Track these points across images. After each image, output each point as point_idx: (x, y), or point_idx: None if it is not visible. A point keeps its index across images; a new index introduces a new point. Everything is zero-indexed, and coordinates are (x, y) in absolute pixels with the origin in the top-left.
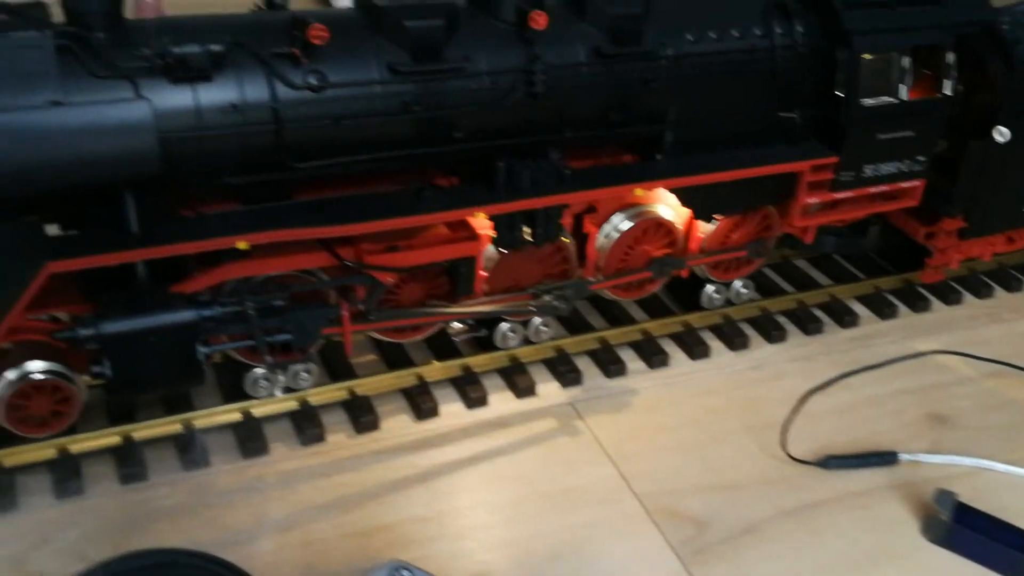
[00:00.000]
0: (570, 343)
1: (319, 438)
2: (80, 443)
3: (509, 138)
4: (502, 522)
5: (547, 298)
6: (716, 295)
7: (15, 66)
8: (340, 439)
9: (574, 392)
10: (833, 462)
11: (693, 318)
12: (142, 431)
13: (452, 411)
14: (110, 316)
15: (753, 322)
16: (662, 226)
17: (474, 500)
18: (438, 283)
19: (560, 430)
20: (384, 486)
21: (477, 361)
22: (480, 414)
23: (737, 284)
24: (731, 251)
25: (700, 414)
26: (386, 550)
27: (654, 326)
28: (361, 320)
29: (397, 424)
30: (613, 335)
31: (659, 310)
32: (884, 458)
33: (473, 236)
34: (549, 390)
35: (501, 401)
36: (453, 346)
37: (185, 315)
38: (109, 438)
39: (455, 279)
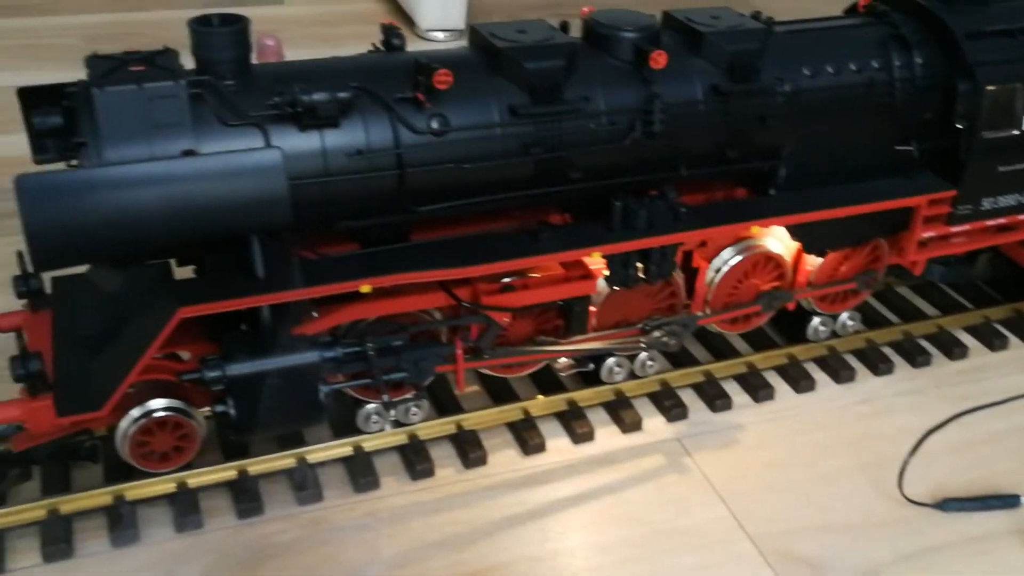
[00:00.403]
0: (674, 376)
1: (429, 473)
2: (198, 477)
3: (625, 176)
4: (616, 563)
5: (657, 334)
6: (822, 327)
7: (151, 116)
8: (449, 474)
9: (680, 427)
10: (951, 504)
11: (798, 350)
12: (257, 466)
13: (558, 446)
14: (236, 359)
15: (859, 354)
16: (771, 259)
17: (586, 540)
18: (548, 319)
19: (668, 467)
20: (495, 524)
21: (582, 395)
22: (586, 449)
23: (844, 316)
24: (840, 284)
25: (810, 451)
26: None
27: (758, 359)
28: (474, 357)
29: (504, 459)
30: (717, 368)
31: (762, 342)
32: (1006, 501)
33: (588, 275)
34: (655, 425)
35: (607, 436)
36: (557, 380)
37: (308, 357)
38: (225, 472)
39: (568, 317)
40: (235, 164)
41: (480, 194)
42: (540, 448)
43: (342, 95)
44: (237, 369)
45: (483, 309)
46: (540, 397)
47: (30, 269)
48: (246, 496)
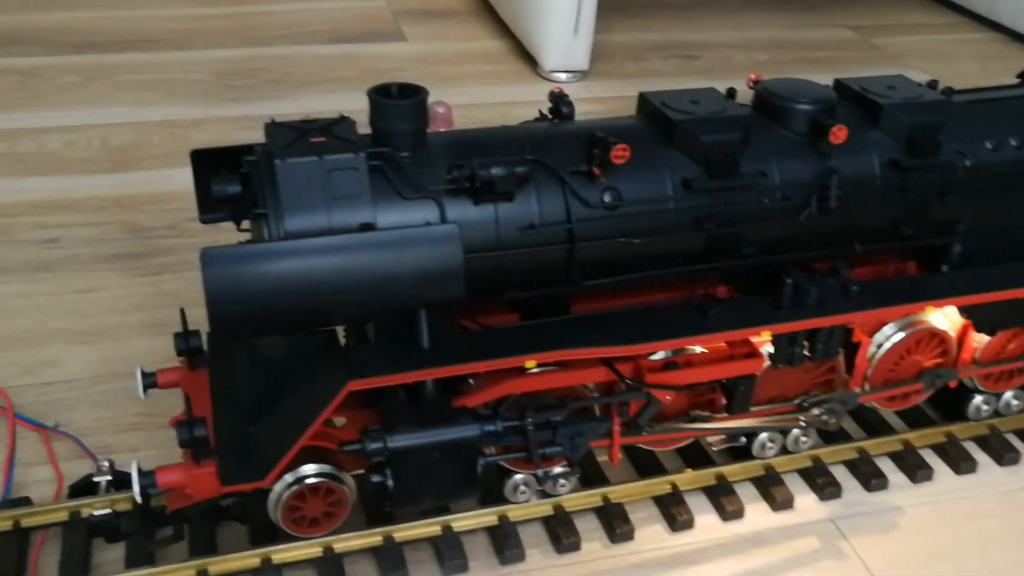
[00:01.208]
0: (827, 453)
1: (575, 547)
2: (344, 542)
3: (796, 251)
4: None
5: (816, 411)
6: (984, 406)
7: (331, 187)
8: (595, 548)
9: (834, 507)
10: None
11: (957, 428)
12: (402, 532)
13: (707, 523)
14: (397, 431)
15: (1023, 435)
16: (935, 336)
17: None
18: (704, 392)
19: (824, 551)
20: None
21: (731, 470)
22: (736, 528)
23: (1008, 395)
24: (1010, 362)
25: (977, 541)
26: None
27: (915, 436)
28: (630, 432)
29: (652, 535)
30: (872, 445)
31: (919, 419)
32: None
33: (754, 354)
34: (807, 503)
35: (757, 514)
36: (704, 452)
37: (469, 431)
38: (371, 538)
39: (731, 395)
40: (414, 239)
41: (647, 268)
42: (688, 524)
43: (519, 169)
44: (399, 442)
45: (647, 387)
46: (688, 471)
47: (191, 327)
48: (391, 563)
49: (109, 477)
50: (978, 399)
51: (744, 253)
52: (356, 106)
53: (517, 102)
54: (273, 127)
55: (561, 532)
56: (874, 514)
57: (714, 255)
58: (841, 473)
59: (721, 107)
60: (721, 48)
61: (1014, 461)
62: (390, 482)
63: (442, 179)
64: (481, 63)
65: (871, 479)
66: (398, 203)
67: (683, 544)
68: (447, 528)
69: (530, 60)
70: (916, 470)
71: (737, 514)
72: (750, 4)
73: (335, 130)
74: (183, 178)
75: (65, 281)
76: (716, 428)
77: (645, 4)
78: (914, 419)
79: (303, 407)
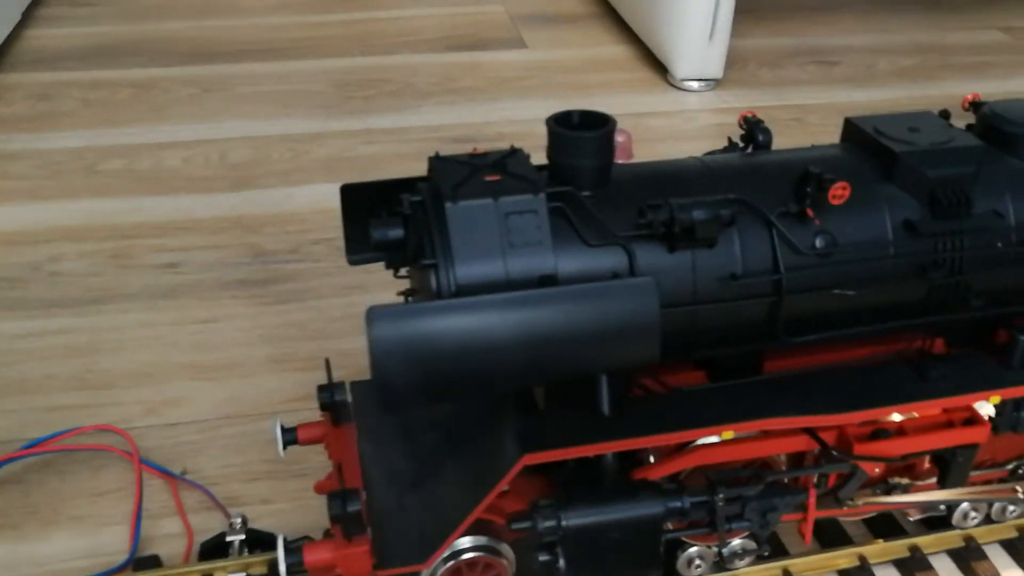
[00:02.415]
0: None
1: None
2: None
3: None
4: None
5: None
6: None
7: (507, 233)
8: None
9: None
10: None
11: None
12: None
13: None
14: (573, 507)
15: None
16: None
17: None
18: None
19: None
20: None
21: (926, 542)
22: None
23: None
24: None
25: None
26: None
27: None
28: (825, 506)
29: None
30: None
31: None
32: None
33: (978, 420)
34: None
35: None
36: (893, 520)
37: (652, 508)
38: None
39: (946, 467)
40: (604, 293)
41: (859, 321)
42: None
43: (724, 212)
44: (575, 520)
45: (855, 459)
46: (879, 542)
47: (335, 379)
48: None
49: (242, 536)
50: None
51: (973, 306)
52: (478, 118)
53: (648, 112)
54: (438, 162)
55: None
56: None
57: (936, 308)
58: None
59: (946, 136)
60: (861, 53)
61: None
62: (561, 562)
63: (632, 223)
64: (607, 71)
65: None
66: (582, 250)
67: None
68: None
69: (659, 67)
70: None
71: None
72: (888, 3)
73: (508, 165)
74: (305, 197)
75: (188, 310)
76: (926, 502)
77: (776, 5)
78: None
79: (470, 481)
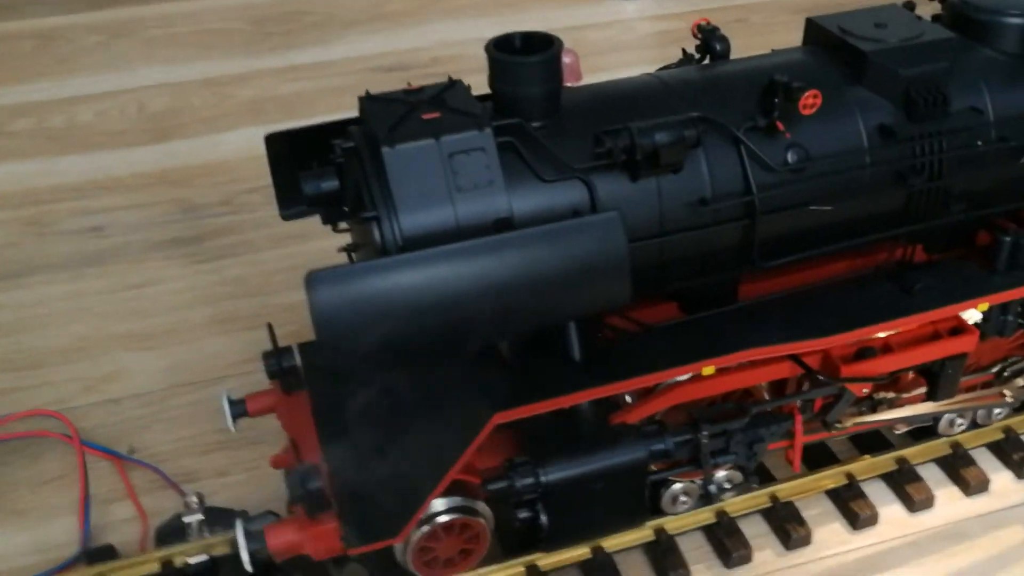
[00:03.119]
0: (1019, 422)
1: (746, 559)
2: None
3: (1008, 203)
4: None
5: (1021, 382)
6: None
7: (454, 176)
8: (768, 558)
9: None
10: None
11: None
12: (546, 560)
13: (892, 517)
14: (551, 462)
15: None
16: None
17: None
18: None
19: None
20: None
21: (913, 452)
22: (927, 520)
23: None
24: None
25: None
26: None
27: None
28: (815, 430)
29: (831, 536)
30: None
31: None
32: None
33: (965, 329)
34: (1004, 484)
35: (948, 501)
36: (878, 434)
37: (635, 453)
38: (511, 570)
39: (935, 380)
40: (566, 235)
41: (836, 238)
42: (872, 521)
43: (688, 133)
44: (555, 475)
45: (843, 382)
46: (866, 457)
47: (281, 343)
48: None
49: (200, 516)
50: None
51: (954, 211)
52: (408, 44)
53: (584, 25)
54: (370, 102)
55: (728, 543)
56: None
57: (916, 215)
58: None
59: (916, 30)
60: None
61: None
62: (543, 518)
63: (588, 153)
64: None
65: None
66: (537, 188)
67: (869, 545)
68: (598, 550)
69: None
70: None
71: (926, 504)
72: None
73: (447, 100)
74: (232, 144)
75: (117, 276)
76: (916, 416)
77: None
78: None
79: (437, 446)
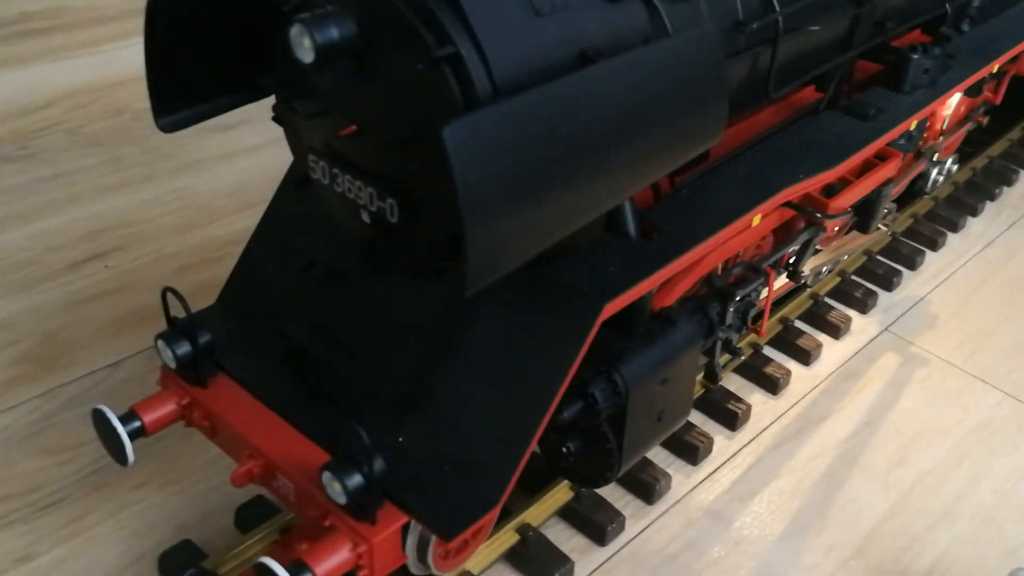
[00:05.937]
0: (849, 263)
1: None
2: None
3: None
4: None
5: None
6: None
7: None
8: (721, 444)
9: (877, 318)
10: None
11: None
12: (535, 513)
13: (797, 375)
14: (624, 361)
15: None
16: None
17: (921, 467)
18: None
19: (909, 362)
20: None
21: (788, 310)
22: (822, 369)
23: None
24: None
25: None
26: None
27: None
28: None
29: (761, 408)
30: (873, 244)
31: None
32: None
33: (889, 153)
34: (857, 322)
35: (828, 348)
36: None
37: (695, 332)
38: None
39: (869, 209)
40: (674, 56)
41: (816, 64)
42: (787, 383)
43: None
44: (634, 372)
45: (833, 218)
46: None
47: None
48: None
49: None
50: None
51: (888, 29)
52: None
53: None
54: None
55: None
56: (911, 312)
57: (858, 38)
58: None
59: None
60: None
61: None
62: (611, 440)
63: None
64: None
65: (890, 279)
66: (603, 8)
67: (792, 406)
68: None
69: None
70: (914, 258)
71: (817, 354)
72: None
73: None
74: None
75: None
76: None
77: None
78: None
79: (520, 379)
